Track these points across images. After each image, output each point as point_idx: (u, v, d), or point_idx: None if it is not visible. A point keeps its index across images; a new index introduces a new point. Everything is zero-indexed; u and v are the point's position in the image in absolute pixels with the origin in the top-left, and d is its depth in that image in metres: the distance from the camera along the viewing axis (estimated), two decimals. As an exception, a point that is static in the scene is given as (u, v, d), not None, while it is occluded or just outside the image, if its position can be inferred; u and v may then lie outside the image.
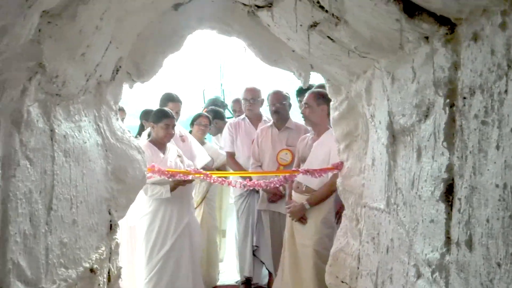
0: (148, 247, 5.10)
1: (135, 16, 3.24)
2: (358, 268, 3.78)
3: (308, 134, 5.28)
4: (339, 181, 4.31)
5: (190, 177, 4.96)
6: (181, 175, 4.85)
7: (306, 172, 4.67)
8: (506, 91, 1.44)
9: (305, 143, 5.20)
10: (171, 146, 5.42)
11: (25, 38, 2.05)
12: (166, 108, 5.56)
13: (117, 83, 3.60)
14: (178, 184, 5.02)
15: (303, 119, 5.25)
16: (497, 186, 1.50)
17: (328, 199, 4.90)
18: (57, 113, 2.73)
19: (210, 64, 8.53)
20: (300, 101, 5.76)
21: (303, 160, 5.12)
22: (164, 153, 5.25)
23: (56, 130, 2.65)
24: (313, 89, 5.16)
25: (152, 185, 5.01)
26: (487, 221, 1.56)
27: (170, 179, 4.89)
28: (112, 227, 3.47)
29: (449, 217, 1.98)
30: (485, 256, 1.57)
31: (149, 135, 5.45)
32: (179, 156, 5.38)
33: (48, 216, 2.53)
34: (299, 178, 4.98)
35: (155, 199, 5.10)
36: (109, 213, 3.45)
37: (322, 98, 4.90)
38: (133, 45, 3.62)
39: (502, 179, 1.46)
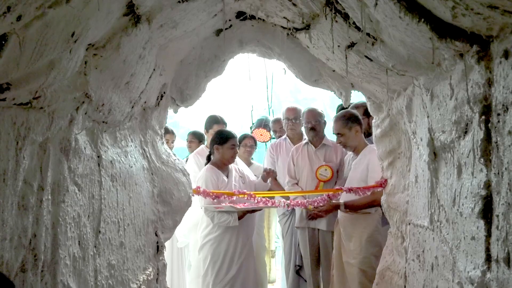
0: (214, 271, 5.12)
1: (177, 43, 3.36)
2: (405, 286, 3.73)
3: (350, 153, 5.27)
4: (383, 198, 4.28)
5: (258, 205, 5.00)
6: (225, 195, 4.89)
7: (350, 190, 4.65)
8: (536, 107, 1.44)
9: (347, 163, 5.22)
10: (233, 167, 5.47)
11: (72, 71, 2.16)
12: (227, 129, 5.61)
13: (161, 108, 3.72)
14: (247, 212, 5.09)
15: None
16: (532, 202, 1.49)
17: (374, 217, 4.85)
18: (104, 139, 2.85)
19: (259, 84, 8.59)
20: None
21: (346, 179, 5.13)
22: (227, 176, 5.31)
23: (103, 156, 2.76)
24: (337, 115, 5.10)
25: (220, 213, 5.05)
26: (524, 238, 1.55)
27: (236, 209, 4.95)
28: (159, 249, 3.56)
29: (488, 234, 1.96)
30: (524, 273, 1.56)
31: (208, 158, 5.49)
32: (241, 176, 5.42)
33: (96, 239, 2.63)
34: (343, 197, 4.96)
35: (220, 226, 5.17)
36: (156, 235, 3.54)
37: (351, 120, 4.89)
38: (176, 71, 3.74)
39: (536, 196, 1.46)
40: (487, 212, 1.97)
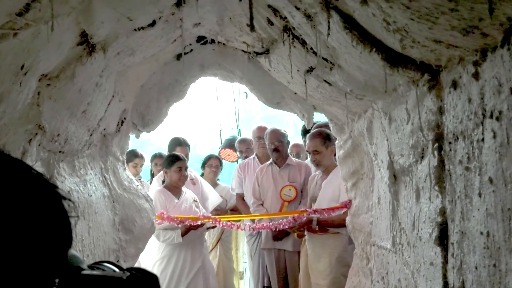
0: None
1: (136, 69, 3.33)
2: (371, 308, 3.73)
3: (317, 173, 5.26)
4: (348, 219, 4.29)
5: (199, 222, 4.98)
6: (190, 220, 4.88)
7: (315, 212, 4.65)
8: (483, 139, 1.45)
9: (314, 182, 5.18)
10: (187, 191, 5.45)
11: (23, 103, 2.12)
12: (176, 152, 5.62)
13: (122, 134, 3.68)
14: (189, 229, 5.04)
15: (313, 164, 5.20)
16: (481, 233, 1.50)
17: (343, 237, 4.82)
18: (60, 169, 2.79)
19: (227, 105, 8.59)
20: (305, 141, 5.75)
21: (314, 200, 5.09)
22: (178, 198, 5.28)
23: (60, 187, 2.69)
24: (313, 133, 5.08)
25: (164, 231, 5.04)
26: (476, 268, 1.56)
27: (180, 225, 4.92)
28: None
29: (445, 261, 1.97)
30: (477, 304, 1.56)
31: (163, 182, 5.49)
32: (195, 201, 5.41)
33: (54, 273, 2.55)
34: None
35: (167, 244, 5.12)
36: (118, 264, 3.47)
37: (328, 139, 4.87)
38: (137, 96, 3.71)
39: (485, 227, 1.46)
40: (443, 239, 1.98)
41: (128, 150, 6.40)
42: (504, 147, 1.31)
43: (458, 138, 1.70)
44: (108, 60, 2.73)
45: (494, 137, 1.37)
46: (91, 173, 3.24)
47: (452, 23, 1.30)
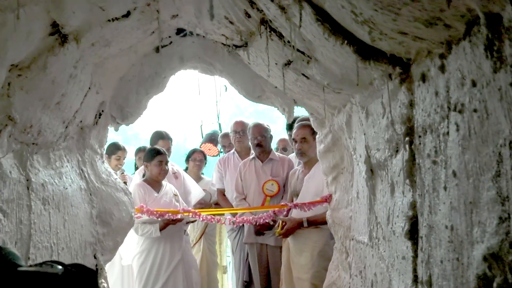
0: (141, 286, 5.07)
1: (114, 60, 3.29)
2: (349, 302, 3.73)
3: (298, 167, 5.24)
4: (328, 213, 4.28)
5: (179, 216, 4.95)
6: (170, 214, 4.85)
7: (295, 206, 4.64)
8: (448, 132, 1.44)
9: (296, 176, 5.15)
10: (167, 184, 5.42)
11: (-9, 94, 2.08)
12: (157, 146, 5.60)
13: (100, 127, 3.64)
14: (168, 223, 5.01)
15: (296, 154, 5.16)
16: (446, 227, 1.49)
17: (325, 231, 4.80)
18: (34, 161, 2.75)
19: (208, 99, 8.53)
20: (290, 135, 5.73)
21: (295, 194, 5.06)
22: (158, 192, 5.25)
23: (33, 179, 2.66)
24: (303, 123, 5.07)
25: (143, 224, 5.01)
26: (441, 261, 1.55)
27: (159, 219, 4.90)
28: (98, 272, 3.45)
29: (415, 255, 1.96)
30: (442, 298, 1.56)
31: (144, 176, 5.46)
32: (175, 195, 5.38)
33: (26, 266, 2.52)
34: (294, 213, 4.92)
35: (146, 238, 5.09)
36: (95, 257, 3.44)
37: (315, 132, 4.83)
38: (116, 88, 3.67)
39: (450, 221, 1.46)
40: (413, 233, 1.98)
41: (111, 143, 6.42)
42: (466, 140, 1.30)
43: (426, 132, 1.69)
44: (82, 51, 2.69)
45: (457, 130, 1.36)
46: (67, 166, 3.20)
47: (415, 14, 1.29)
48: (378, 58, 1.94)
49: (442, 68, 1.46)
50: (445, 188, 1.50)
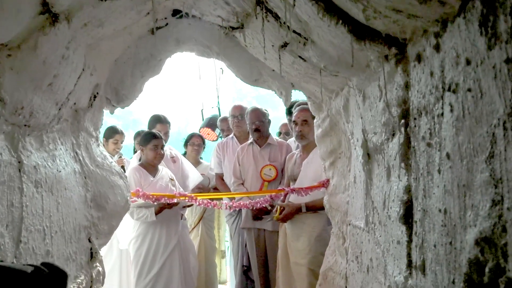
0: (137, 270, 5.06)
1: (109, 42, 3.23)
2: (346, 287, 3.71)
3: (296, 152, 5.20)
4: (325, 198, 4.25)
5: (175, 200, 4.91)
6: (166, 198, 4.82)
7: (293, 191, 4.60)
8: (442, 114, 1.40)
9: (293, 161, 5.11)
10: (163, 169, 5.39)
11: (-21, 74, 2.04)
12: (153, 130, 5.55)
13: (95, 110, 3.59)
14: (164, 207, 4.98)
15: (295, 137, 5.10)
16: (440, 210, 1.45)
17: (322, 216, 4.77)
18: (26, 143, 2.71)
19: (208, 83, 8.48)
20: (290, 120, 5.67)
21: (293, 179, 5.02)
22: (154, 176, 5.22)
23: (25, 161, 2.63)
24: (304, 106, 4.99)
25: (138, 208, 4.98)
26: (434, 246, 1.52)
27: (156, 203, 4.87)
28: (93, 255, 3.43)
29: (410, 240, 1.93)
30: (434, 283, 1.53)
31: (140, 159, 5.43)
32: (171, 179, 5.35)
33: (17, 249, 2.50)
34: (292, 198, 4.89)
35: (142, 222, 5.07)
36: (89, 241, 3.41)
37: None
38: (110, 71, 3.61)
39: (443, 204, 1.42)
40: (408, 217, 1.94)
41: (109, 127, 6.41)
42: (460, 121, 1.26)
43: (421, 114, 1.65)
44: (74, 32, 2.64)
45: (451, 110, 1.32)
46: (61, 149, 3.16)
47: (408, -11, 1.24)
48: (374, 38, 1.89)
49: (437, 47, 1.42)
50: (439, 171, 1.46)
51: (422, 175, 1.68)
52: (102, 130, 6.23)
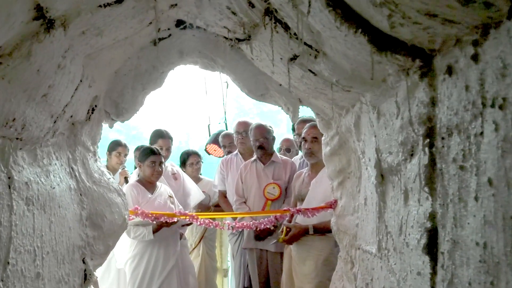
0: None
1: (108, 52, 3.08)
2: (354, 315, 3.51)
3: (304, 170, 5.00)
4: (333, 220, 4.06)
5: (175, 219, 4.72)
6: (165, 217, 4.63)
7: (299, 211, 4.41)
8: (482, 133, 1.22)
9: (301, 180, 4.91)
10: (162, 186, 5.20)
11: (-34, 82, 1.88)
12: (152, 146, 5.38)
13: (93, 123, 3.42)
14: (162, 226, 4.78)
15: (304, 154, 4.90)
16: (477, 244, 1.27)
17: (330, 239, 4.53)
18: (18, 158, 2.54)
19: (214, 98, 8.36)
20: (299, 135, 5.48)
21: (300, 199, 4.81)
22: (152, 193, 5.03)
23: (16, 177, 2.45)
24: (313, 123, 4.78)
25: (135, 227, 4.79)
26: (469, 284, 1.33)
27: (154, 221, 4.67)
28: (87, 277, 3.24)
29: (434, 272, 1.74)
30: (469, 326, 1.34)
31: (138, 175, 5.25)
32: (170, 196, 5.16)
33: (4, 271, 2.31)
34: (299, 219, 4.68)
35: (139, 241, 4.87)
36: (84, 262, 3.22)
37: None
38: (110, 83, 3.46)
39: (482, 237, 1.24)
40: (432, 247, 1.76)
41: (112, 140, 6.30)
42: (508, 141, 1.09)
43: (452, 133, 1.47)
44: (71, 40, 2.49)
45: (496, 129, 1.14)
46: (56, 164, 2.99)
47: (451, -11, 1.07)
48: (396, 49, 1.72)
49: (475, 58, 1.25)
50: (476, 198, 1.28)
51: (452, 202, 1.50)
52: (106, 144, 6.14)
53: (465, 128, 1.35)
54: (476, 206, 1.28)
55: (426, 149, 1.72)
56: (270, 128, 5.67)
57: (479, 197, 1.27)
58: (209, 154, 7.00)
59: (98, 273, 5.05)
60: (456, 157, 1.44)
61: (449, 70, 1.46)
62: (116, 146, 6.24)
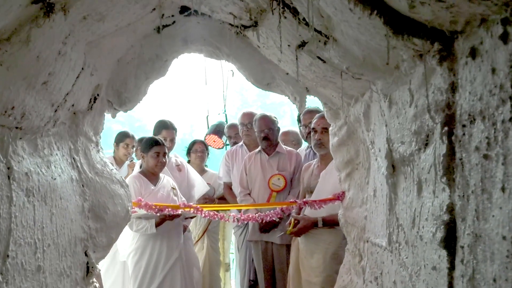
0: (135, 285, 4.77)
1: (111, 39, 2.99)
2: (362, 309, 3.43)
3: (313, 162, 4.90)
4: (340, 212, 3.98)
5: (179, 212, 4.63)
6: (169, 209, 4.54)
7: (305, 203, 4.32)
8: (510, 119, 1.13)
9: (310, 172, 4.80)
10: (165, 177, 5.12)
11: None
12: (156, 137, 5.29)
13: (96, 113, 3.34)
14: (164, 219, 4.70)
15: (314, 145, 4.79)
16: (504, 238, 1.19)
17: (338, 232, 4.42)
18: (18, 148, 2.46)
19: (214, 89, 8.24)
20: (305, 126, 5.39)
21: (309, 191, 4.71)
22: (155, 185, 4.94)
23: (15, 167, 2.38)
24: (323, 113, 4.66)
25: (138, 219, 4.70)
26: (494, 280, 1.25)
27: (158, 214, 4.58)
28: (89, 270, 3.17)
29: (452, 267, 1.66)
30: (493, 325, 1.25)
31: (141, 166, 5.16)
32: (173, 188, 5.07)
33: (4, 264, 2.24)
34: (307, 211, 4.59)
35: (141, 234, 4.78)
36: (86, 255, 3.15)
37: None
38: (113, 71, 3.37)
39: (509, 231, 1.15)
40: (450, 241, 1.67)
41: (119, 131, 6.24)
42: (544, 127, 1.00)
43: (475, 119, 1.38)
44: (72, 26, 2.40)
45: (529, 114, 1.05)
46: (57, 154, 2.91)
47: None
48: (413, 33, 1.63)
49: (504, 37, 1.16)
50: (503, 189, 1.19)
51: (473, 193, 1.41)
52: (109, 136, 6.08)
53: (491, 114, 1.26)
54: (503, 198, 1.20)
55: (444, 138, 1.63)
56: (275, 119, 5.58)
57: (506, 188, 1.18)
58: (208, 145, 6.90)
59: (103, 266, 5.00)
60: (479, 146, 1.35)
61: (473, 53, 1.37)
62: (123, 138, 6.18)
